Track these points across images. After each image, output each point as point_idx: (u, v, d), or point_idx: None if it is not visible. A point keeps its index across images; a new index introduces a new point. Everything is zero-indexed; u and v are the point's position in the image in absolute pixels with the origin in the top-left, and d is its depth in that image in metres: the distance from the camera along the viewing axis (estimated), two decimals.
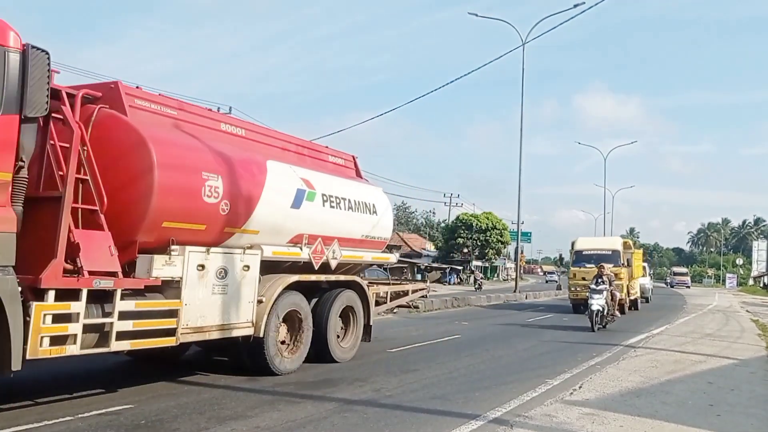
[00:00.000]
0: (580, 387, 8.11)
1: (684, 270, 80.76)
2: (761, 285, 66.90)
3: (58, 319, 5.71)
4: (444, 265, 61.31)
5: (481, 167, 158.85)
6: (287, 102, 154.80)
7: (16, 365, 5.41)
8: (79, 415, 6.19)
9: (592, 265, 20.08)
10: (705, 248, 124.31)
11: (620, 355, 11.35)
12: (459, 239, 59.86)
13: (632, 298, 23.98)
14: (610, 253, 21.83)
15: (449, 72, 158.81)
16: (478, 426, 6.12)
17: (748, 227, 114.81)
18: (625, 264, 21.78)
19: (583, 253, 22.56)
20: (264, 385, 7.93)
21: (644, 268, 30.55)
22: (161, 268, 6.80)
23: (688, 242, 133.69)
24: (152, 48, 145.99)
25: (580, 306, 21.48)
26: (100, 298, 6.16)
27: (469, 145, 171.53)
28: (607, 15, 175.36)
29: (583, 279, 20.89)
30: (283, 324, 8.67)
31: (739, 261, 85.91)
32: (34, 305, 5.54)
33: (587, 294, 17.91)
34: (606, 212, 60.20)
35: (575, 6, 21.94)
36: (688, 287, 66.44)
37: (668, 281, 75.27)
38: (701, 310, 26.86)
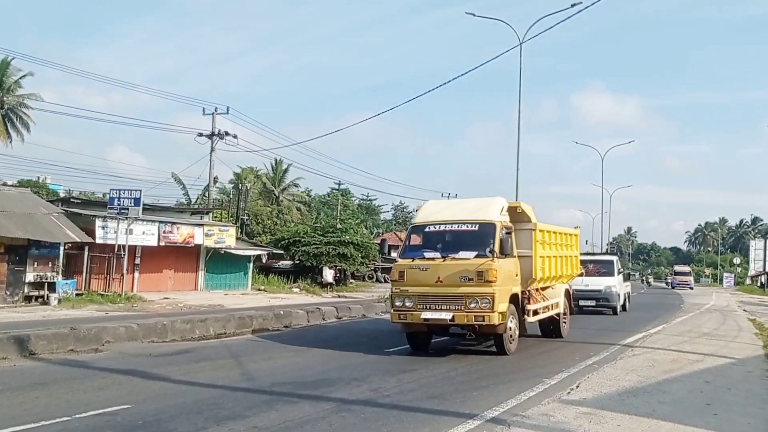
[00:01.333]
0: (577, 386, 8.12)
1: (686, 269, 69.21)
2: (758, 284, 66.90)
3: None
4: None
5: (478, 167, 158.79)
6: (285, 102, 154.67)
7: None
8: (77, 416, 6.19)
9: (438, 255, 11.03)
10: (702, 248, 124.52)
11: (617, 355, 11.36)
12: None
13: (534, 319, 12.41)
14: (476, 229, 11.12)
15: (447, 72, 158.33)
16: (475, 425, 6.12)
17: (746, 227, 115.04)
18: (498, 251, 10.72)
19: (427, 230, 11.60)
20: (262, 385, 7.93)
21: (613, 262, 23.56)
22: None
23: (686, 242, 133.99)
24: (150, 48, 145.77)
25: (420, 339, 11.86)
26: None
27: (467, 145, 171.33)
28: (605, 14, 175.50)
29: (419, 283, 10.92)
30: None
31: (737, 260, 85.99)
32: None
33: (425, 315, 10.70)
34: (603, 212, 59.69)
35: (572, 5, 21.94)
36: (692, 288, 58.84)
37: (668, 281, 69.43)
38: (698, 309, 26.87)
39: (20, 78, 40.51)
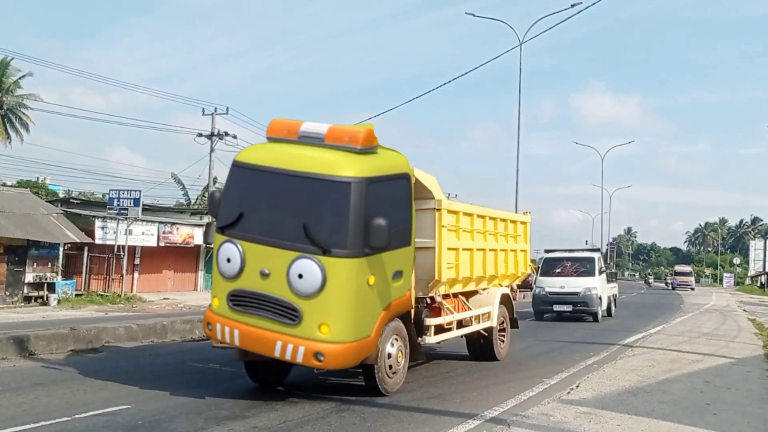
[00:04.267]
0: (577, 386, 8.11)
1: (687, 269, 65.24)
2: (758, 284, 66.88)
3: None
4: None
5: (478, 167, 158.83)
6: (284, 102, 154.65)
7: None
8: (76, 416, 6.19)
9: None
10: (702, 248, 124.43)
11: (617, 355, 11.36)
12: None
13: (438, 339, 8.83)
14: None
15: (447, 72, 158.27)
16: (475, 425, 6.12)
17: (745, 227, 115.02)
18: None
19: (252, 176, 7.18)
20: (263, 384, 7.92)
21: (594, 260, 20.16)
22: None
23: (686, 242, 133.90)
24: (149, 48, 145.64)
25: (264, 372, 7.95)
26: None
27: (467, 145, 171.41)
28: (604, 14, 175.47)
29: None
30: None
31: (736, 260, 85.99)
32: None
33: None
34: (603, 212, 59.54)
35: (572, 6, 21.97)
36: (693, 289, 56.08)
37: (668, 282, 66.33)
38: (698, 309, 26.87)
39: (19, 78, 40.46)
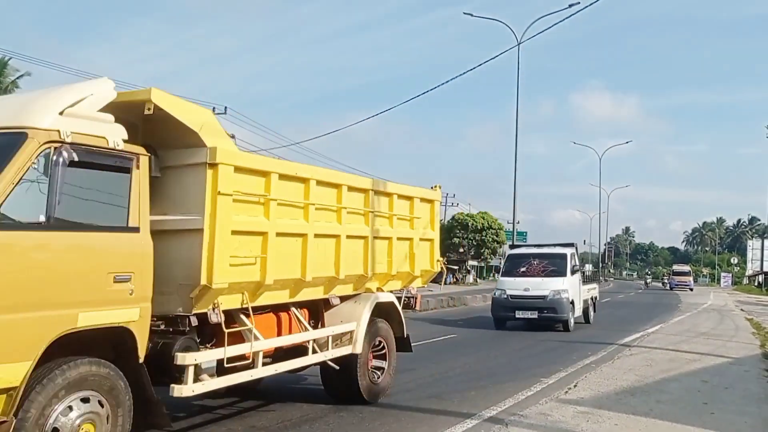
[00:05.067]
0: (575, 386, 8.12)
1: (686, 268, 62.56)
2: (756, 284, 66.94)
3: None
4: None
5: (477, 167, 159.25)
6: (284, 102, 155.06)
7: None
8: None
9: None
10: (700, 247, 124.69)
11: (615, 354, 11.37)
12: (455, 239, 59.78)
13: (208, 386, 5.18)
14: None
15: (445, 72, 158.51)
16: (473, 425, 6.13)
17: (743, 226, 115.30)
18: None
19: None
20: (260, 385, 7.92)
21: (565, 257, 16.61)
22: None
23: (684, 241, 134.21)
24: (147, 48, 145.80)
25: None
26: None
27: (466, 145, 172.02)
28: (603, 14, 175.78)
29: None
30: None
31: (734, 260, 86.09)
32: None
33: None
34: (601, 212, 59.62)
35: (570, 6, 22.01)
36: (691, 289, 54.03)
37: (665, 281, 65.03)
38: (696, 309, 26.89)
39: (17, 78, 40.41)
